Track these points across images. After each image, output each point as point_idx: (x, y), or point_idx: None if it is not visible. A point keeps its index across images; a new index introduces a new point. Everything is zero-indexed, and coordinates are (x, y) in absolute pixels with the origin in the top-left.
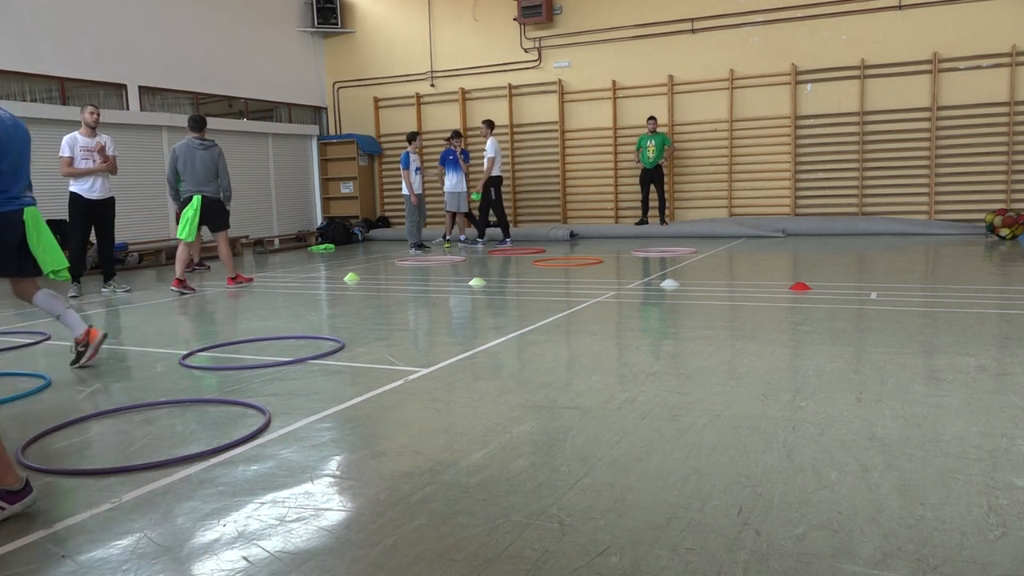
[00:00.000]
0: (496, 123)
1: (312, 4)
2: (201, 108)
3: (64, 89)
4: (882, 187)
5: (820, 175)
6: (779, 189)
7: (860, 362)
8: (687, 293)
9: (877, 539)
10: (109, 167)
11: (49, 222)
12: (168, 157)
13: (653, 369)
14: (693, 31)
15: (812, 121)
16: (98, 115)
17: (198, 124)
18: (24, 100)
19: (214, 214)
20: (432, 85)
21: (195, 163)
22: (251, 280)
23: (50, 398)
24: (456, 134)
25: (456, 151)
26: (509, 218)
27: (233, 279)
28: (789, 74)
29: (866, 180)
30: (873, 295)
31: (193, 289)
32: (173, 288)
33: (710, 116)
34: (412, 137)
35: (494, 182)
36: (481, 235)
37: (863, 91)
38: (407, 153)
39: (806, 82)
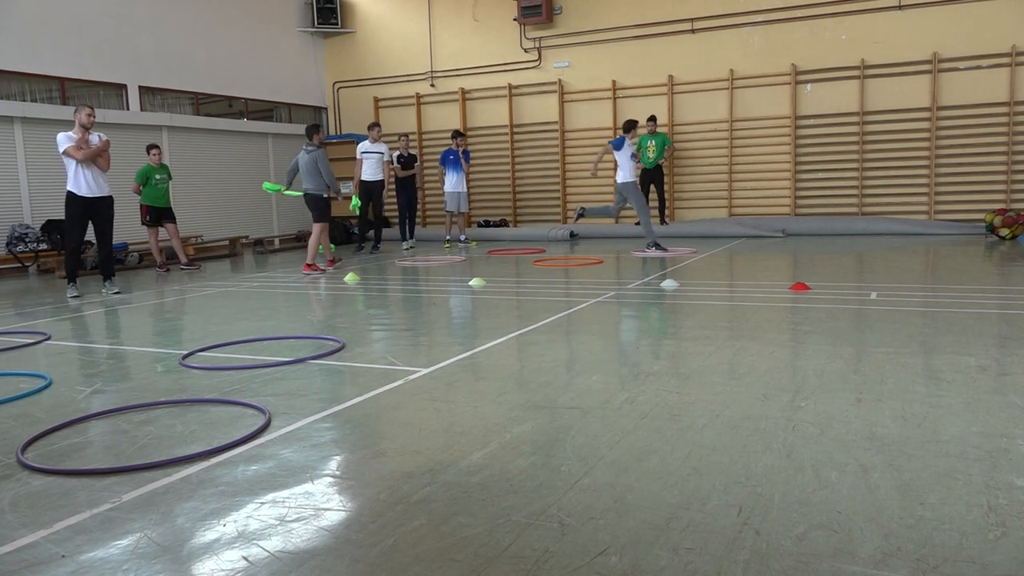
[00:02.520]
0: (495, 123)
1: (312, 4)
2: (201, 108)
3: (64, 89)
4: (882, 187)
5: (820, 175)
6: (779, 189)
7: (860, 362)
8: (687, 293)
9: (877, 539)
10: (101, 151)
11: (49, 223)
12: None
13: (653, 369)
14: (693, 31)
15: (812, 121)
16: (94, 117)
17: (307, 132)
18: (24, 100)
19: (313, 206)
20: (432, 85)
21: (302, 165)
22: (325, 270)
23: (50, 398)
24: (457, 134)
25: (457, 151)
26: (509, 217)
27: (309, 266)
28: (789, 74)
29: (866, 180)
30: (873, 295)
31: (323, 269)
32: (304, 272)
33: (710, 116)
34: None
35: (366, 187)
36: (378, 241)
37: (863, 91)
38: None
39: (806, 82)
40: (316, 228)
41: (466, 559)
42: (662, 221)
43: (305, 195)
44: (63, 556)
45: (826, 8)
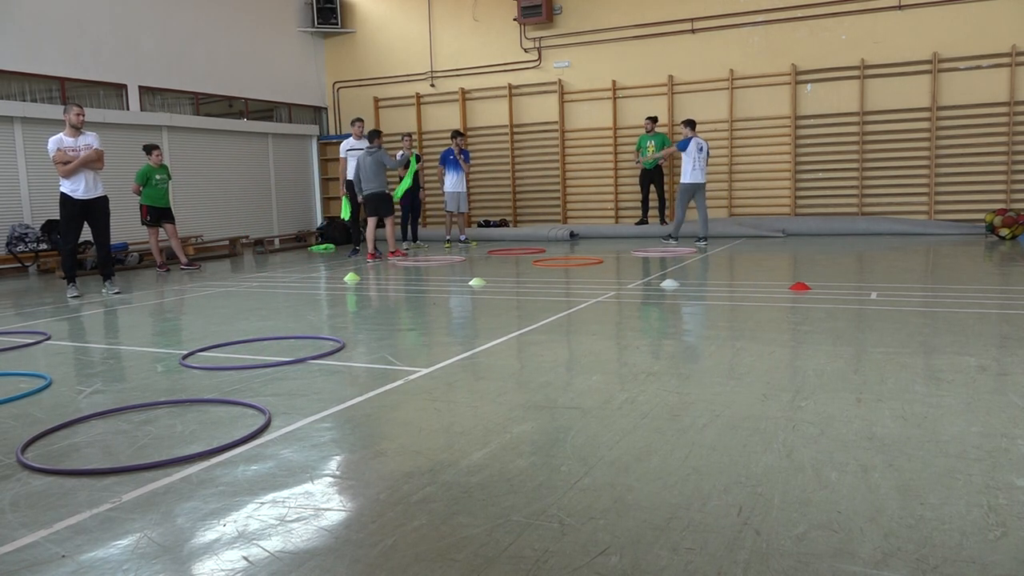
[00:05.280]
0: (495, 123)
1: (312, 4)
2: (201, 108)
3: (64, 89)
4: (882, 187)
5: (820, 175)
6: (779, 189)
7: (860, 362)
8: (687, 293)
9: (877, 539)
10: (94, 157)
11: (49, 223)
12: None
13: (653, 369)
14: (693, 31)
15: (812, 121)
16: (83, 116)
17: (369, 136)
18: (24, 100)
19: (379, 204)
20: (432, 85)
21: (365, 167)
22: (405, 254)
23: (50, 398)
24: (457, 133)
25: (455, 151)
26: (509, 217)
27: (393, 253)
28: (789, 74)
29: (866, 180)
30: (873, 295)
31: (404, 253)
32: (389, 258)
33: (710, 116)
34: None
35: (350, 187)
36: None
37: (863, 91)
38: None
39: (806, 82)
40: (389, 221)
41: (466, 559)
42: (662, 221)
43: (371, 195)
44: (63, 556)
45: (826, 8)
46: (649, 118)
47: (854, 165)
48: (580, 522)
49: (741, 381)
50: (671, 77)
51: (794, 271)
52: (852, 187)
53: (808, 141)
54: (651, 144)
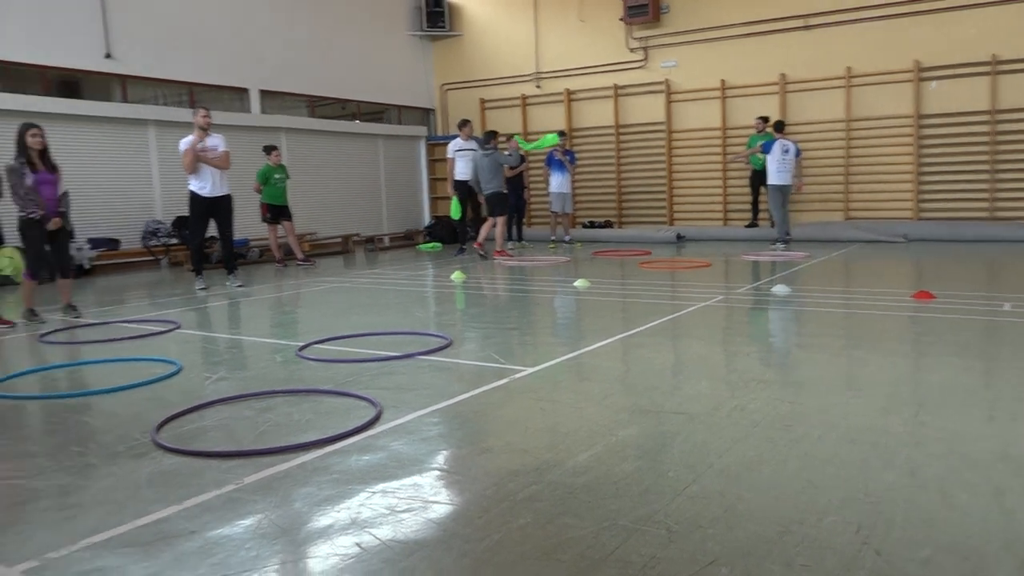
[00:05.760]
0: (600, 124)
1: (422, 8)
2: (316, 111)
3: (192, 93)
4: (1016, 190)
5: (946, 177)
6: (900, 192)
7: (992, 377)
8: (800, 299)
9: (1013, 569)
10: (220, 162)
11: (179, 219)
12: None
13: (764, 376)
14: (807, 27)
15: (937, 120)
16: (209, 118)
17: (485, 137)
18: (157, 104)
19: (496, 204)
20: (538, 86)
21: (482, 168)
22: (510, 254)
23: (180, 383)
24: (561, 134)
25: (559, 152)
26: (614, 219)
27: (499, 252)
28: (912, 71)
29: (998, 183)
30: (1007, 306)
31: (510, 254)
32: (495, 257)
33: (825, 116)
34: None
35: (461, 188)
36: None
37: (994, 88)
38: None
39: (931, 79)
40: (500, 221)
41: (571, 560)
42: (772, 223)
43: (489, 195)
44: (193, 532)
45: (953, 0)
46: (760, 118)
47: (984, 167)
48: (688, 530)
49: (859, 392)
50: (783, 75)
51: (917, 278)
52: (982, 190)
53: (932, 141)
54: (760, 144)
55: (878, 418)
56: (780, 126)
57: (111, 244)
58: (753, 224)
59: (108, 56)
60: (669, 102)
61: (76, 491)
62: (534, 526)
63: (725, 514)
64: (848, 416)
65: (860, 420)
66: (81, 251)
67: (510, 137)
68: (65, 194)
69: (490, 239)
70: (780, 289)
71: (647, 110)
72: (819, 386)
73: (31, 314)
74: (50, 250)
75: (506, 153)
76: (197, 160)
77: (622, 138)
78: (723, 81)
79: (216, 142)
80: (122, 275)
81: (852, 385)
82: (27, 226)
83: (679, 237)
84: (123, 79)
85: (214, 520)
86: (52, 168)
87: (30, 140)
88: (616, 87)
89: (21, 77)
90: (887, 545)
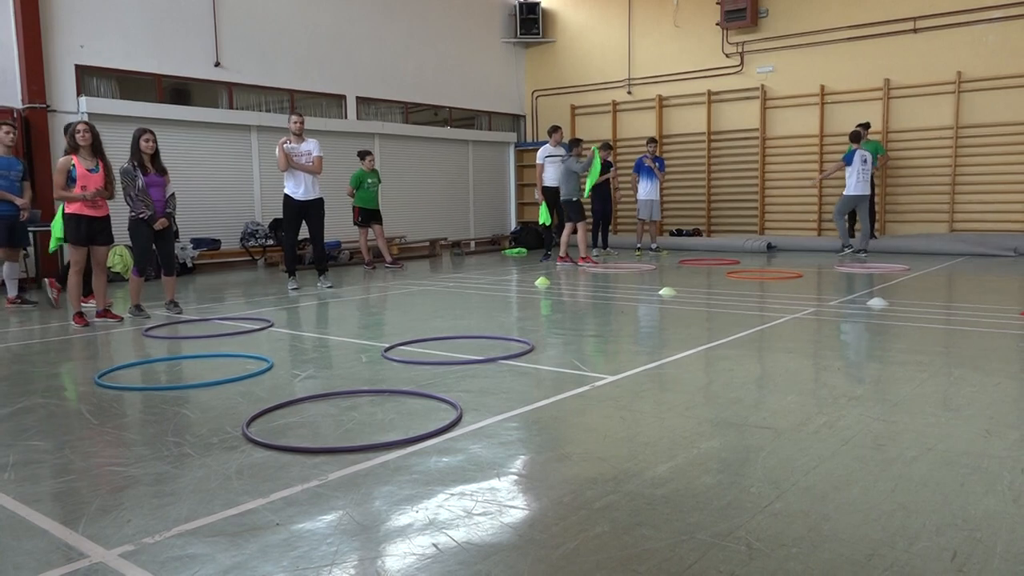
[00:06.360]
0: (692, 131)
1: (516, 15)
2: (410, 117)
3: (293, 100)
4: None
5: None
6: (1012, 203)
7: None
8: (897, 313)
9: None
10: (311, 167)
11: (276, 221)
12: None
13: (855, 393)
14: (915, 31)
15: None
16: (302, 123)
17: (570, 145)
18: (260, 110)
19: (570, 211)
20: (629, 92)
21: (561, 174)
22: (595, 261)
23: (271, 379)
24: (651, 140)
25: (647, 158)
26: (702, 227)
27: (583, 259)
28: None
29: None
30: None
31: (595, 261)
32: (579, 264)
33: (932, 123)
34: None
35: (550, 194)
36: (548, 250)
37: None
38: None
39: None
40: (581, 227)
41: (648, 572)
42: (872, 235)
43: (563, 202)
44: (278, 524)
45: None
46: (861, 125)
47: None
48: (770, 548)
49: (959, 413)
50: (887, 81)
51: None
52: None
53: None
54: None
55: (979, 441)
56: (856, 136)
57: (212, 244)
58: (848, 247)
59: (217, 64)
60: (764, 108)
61: (171, 480)
62: (610, 535)
63: (809, 533)
64: (946, 438)
65: (959, 443)
66: (185, 250)
67: (579, 141)
68: (172, 196)
69: (572, 245)
70: (876, 302)
71: (741, 116)
72: (915, 405)
73: (137, 309)
74: (156, 249)
75: (578, 160)
76: (288, 161)
77: (713, 145)
78: (823, 87)
79: (310, 147)
80: (222, 274)
81: (951, 405)
82: (136, 226)
83: (770, 247)
84: (229, 86)
85: (298, 514)
86: (162, 171)
87: (143, 144)
88: (709, 93)
89: (139, 86)
90: (985, 575)
